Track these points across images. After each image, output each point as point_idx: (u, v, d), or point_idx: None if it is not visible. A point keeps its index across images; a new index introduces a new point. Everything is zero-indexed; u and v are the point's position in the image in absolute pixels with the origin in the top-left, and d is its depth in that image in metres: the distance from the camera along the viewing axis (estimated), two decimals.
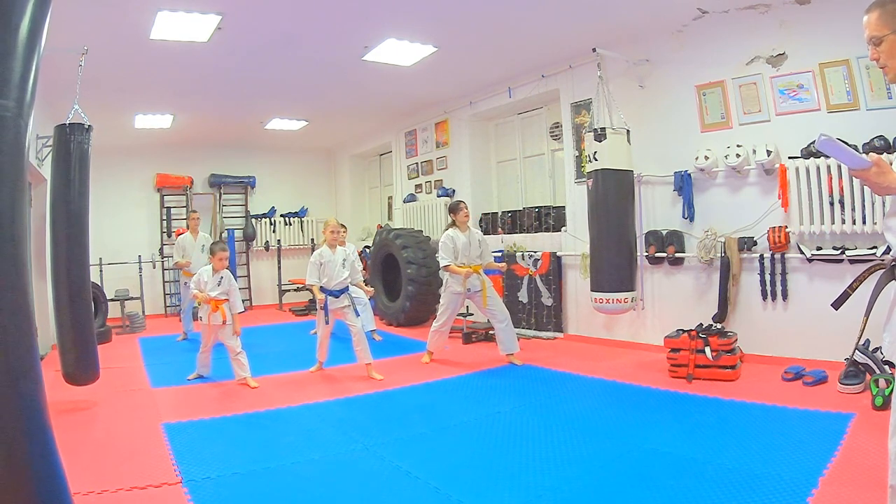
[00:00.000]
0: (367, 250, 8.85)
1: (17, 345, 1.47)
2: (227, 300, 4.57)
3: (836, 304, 2.07)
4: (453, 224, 5.13)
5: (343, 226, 5.02)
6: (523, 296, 6.57)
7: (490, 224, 7.42)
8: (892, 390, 3.20)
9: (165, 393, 4.40)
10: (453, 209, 5.18)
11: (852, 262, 4.07)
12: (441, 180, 8.18)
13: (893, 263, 1.69)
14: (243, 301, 9.66)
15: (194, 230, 6.82)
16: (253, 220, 10.16)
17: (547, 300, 6.33)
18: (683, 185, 5.03)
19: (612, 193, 4.76)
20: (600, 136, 4.74)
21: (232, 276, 4.73)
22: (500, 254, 6.70)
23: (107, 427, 3.57)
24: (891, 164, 1.53)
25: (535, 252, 6.47)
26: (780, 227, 4.44)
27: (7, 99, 1.49)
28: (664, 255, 5.22)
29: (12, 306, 1.47)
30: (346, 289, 4.80)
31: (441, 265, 5.02)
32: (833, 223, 4.14)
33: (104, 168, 7.97)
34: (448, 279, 5.09)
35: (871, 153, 1.62)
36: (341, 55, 5.61)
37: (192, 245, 6.66)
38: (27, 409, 1.48)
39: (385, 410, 3.88)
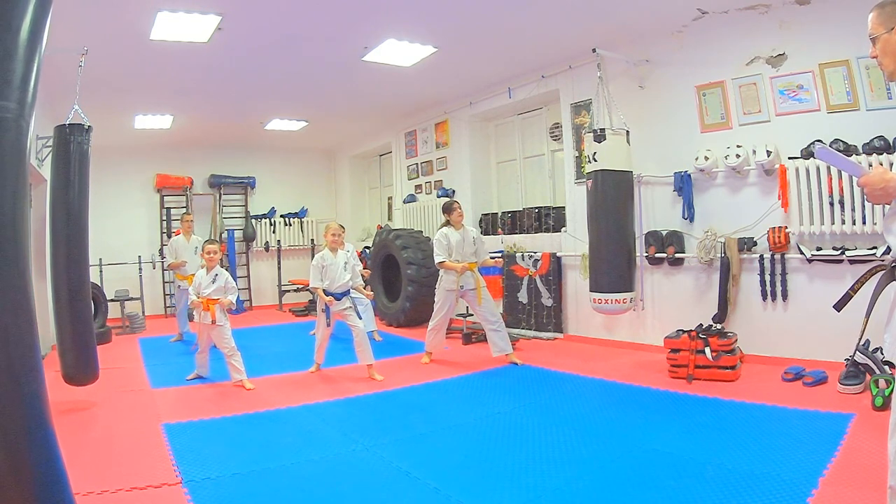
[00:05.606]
0: (367, 251, 8.85)
1: (18, 344, 1.48)
2: (219, 300, 4.56)
3: (839, 306, 2.07)
4: (447, 223, 5.16)
5: (341, 226, 5.04)
6: (523, 296, 6.57)
7: (490, 224, 7.42)
8: (892, 390, 3.20)
9: (165, 393, 4.40)
10: (447, 209, 5.21)
11: (852, 262, 4.07)
12: (441, 181, 8.18)
13: (894, 264, 1.69)
14: (244, 301, 9.81)
15: (187, 232, 6.79)
16: (253, 221, 10.16)
17: (547, 301, 6.33)
18: (683, 185, 5.03)
19: (612, 194, 4.77)
20: (600, 136, 4.74)
21: (227, 273, 4.74)
22: (499, 254, 6.71)
23: (107, 427, 3.56)
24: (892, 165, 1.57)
25: (535, 252, 6.47)
26: (780, 227, 4.44)
27: (8, 100, 1.49)
28: (664, 255, 5.22)
29: (14, 306, 1.48)
30: (348, 292, 4.81)
31: (436, 262, 5.04)
32: (833, 223, 4.14)
33: (104, 168, 7.97)
34: (442, 276, 5.12)
35: (871, 155, 1.64)
36: (341, 55, 5.61)
37: (184, 247, 6.63)
38: (29, 407, 1.48)
39: (385, 411, 3.88)
